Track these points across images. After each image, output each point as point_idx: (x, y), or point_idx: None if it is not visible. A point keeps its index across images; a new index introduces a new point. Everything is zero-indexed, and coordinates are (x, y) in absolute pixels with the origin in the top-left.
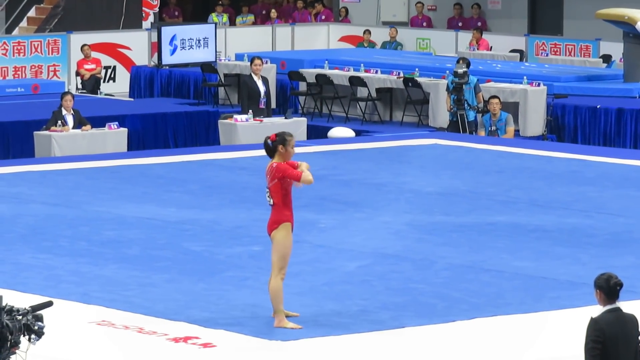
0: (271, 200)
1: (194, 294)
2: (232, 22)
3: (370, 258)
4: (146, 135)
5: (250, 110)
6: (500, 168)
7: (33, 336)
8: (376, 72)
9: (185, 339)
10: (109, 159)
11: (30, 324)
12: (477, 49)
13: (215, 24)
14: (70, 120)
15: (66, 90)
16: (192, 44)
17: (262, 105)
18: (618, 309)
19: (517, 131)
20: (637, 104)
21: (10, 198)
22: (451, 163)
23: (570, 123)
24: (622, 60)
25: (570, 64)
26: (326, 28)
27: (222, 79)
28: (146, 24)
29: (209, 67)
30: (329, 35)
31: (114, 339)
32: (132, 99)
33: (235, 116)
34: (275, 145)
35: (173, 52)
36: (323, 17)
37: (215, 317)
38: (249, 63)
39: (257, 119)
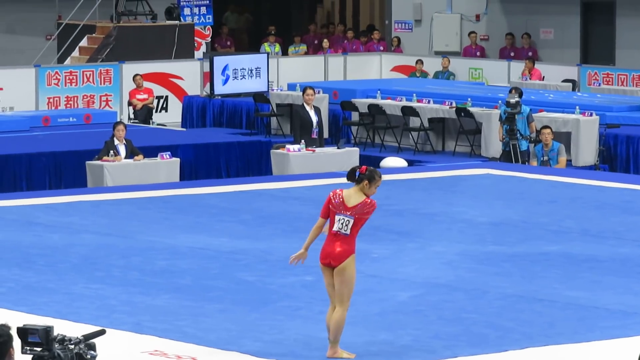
0: (348, 230)
1: (247, 324)
2: (284, 52)
3: (423, 288)
4: (199, 165)
5: (303, 140)
6: (552, 198)
7: None
8: (428, 102)
9: None
10: (162, 189)
11: (82, 353)
12: (530, 79)
13: (268, 53)
14: (122, 150)
15: (118, 120)
16: (245, 74)
17: (314, 135)
18: None
19: (569, 161)
20: None
21: (63, 228)
22: (503, 193)
23: (623, 153)
24: None
25: (623, 93)
26: (378, 58)
27: (275, 109)
28: (198, 53)
29: (261, 97)
30: (382, 65)
31: None
32: (184, 129)
33: (288, 146)
34: (361, 178)
35: (225, 82)
36: (382, 48)
37: (268, 347)
38: (301, 93)
39: (310, 149)
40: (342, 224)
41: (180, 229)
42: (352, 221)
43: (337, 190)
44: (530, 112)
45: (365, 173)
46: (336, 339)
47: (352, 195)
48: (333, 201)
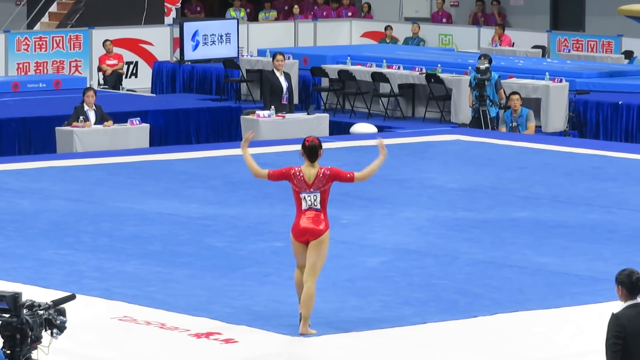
0: (318, 205)
1: (216, 290)
2: (255, 18)
3: (393, 254)
4: (168, 131)
5: (273, 106)
6: (522, 164)
7: (55, 331)
8: (398, 68)
9: (207, 335)
10: (131, 154)
11: (52, 319)
12: (499, 45)
13: (237, 19)
14: (92, 115)
15: (88, 85)
16: (214, 40)
17: (284, 101)
18: (639, 305)
19: (538, 127)
20: None
21: (33, 194)
22: (473, 159)
23: (592, 119)
24: None
25: (592, 60)
26: (348, 24)
27: (245, 75)
28: (168, 19)
29: (231, 63)
30: (352, 31)
31: (136, 335)
32: (154, 95)
33: (258, 112)
34: (320, 146)
35: (195, 47)
36: (350, 14)
37: (237, 312)
38: (271, 59)
39: (280, 114)
40: (310, 200)
41: (150, 195)
42: (319, 195)
43: (296, 168)
44: (498, 78)
45: (319, 142)
46: (308, 314)
47: (309, 170)
48: (294, 180)
